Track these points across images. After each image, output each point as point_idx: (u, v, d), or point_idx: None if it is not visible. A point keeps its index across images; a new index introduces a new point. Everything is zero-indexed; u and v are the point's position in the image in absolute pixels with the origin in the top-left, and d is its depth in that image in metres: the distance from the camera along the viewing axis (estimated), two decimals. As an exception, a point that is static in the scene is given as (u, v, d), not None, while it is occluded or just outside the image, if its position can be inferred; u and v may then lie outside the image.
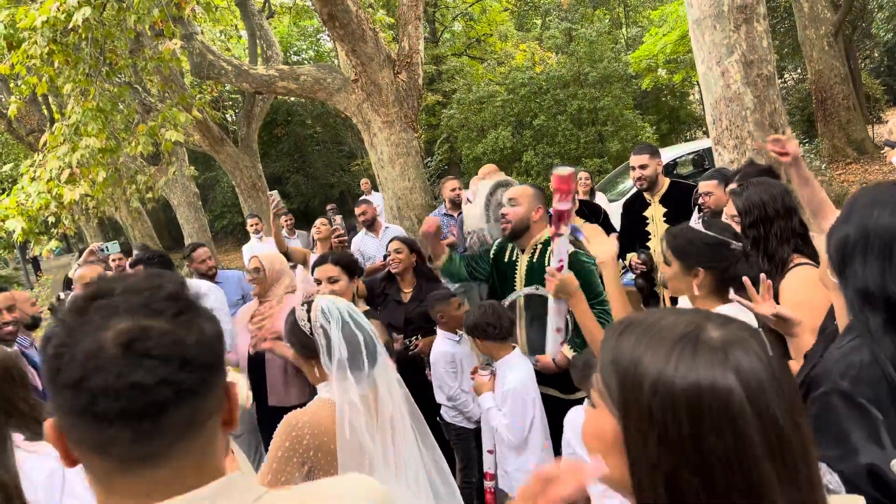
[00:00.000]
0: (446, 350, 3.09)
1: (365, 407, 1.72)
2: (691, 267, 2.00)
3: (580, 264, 2.88)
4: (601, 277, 2.56)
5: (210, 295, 3.98)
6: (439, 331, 3.17)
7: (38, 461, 1.66)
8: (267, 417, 3.21)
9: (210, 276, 4.75)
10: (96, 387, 0.70)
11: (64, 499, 1.64)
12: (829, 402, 1.08)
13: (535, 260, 3.02)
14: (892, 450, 1.00)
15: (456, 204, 5.30)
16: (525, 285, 3.01)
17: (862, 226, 1.14)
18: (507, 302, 2.94)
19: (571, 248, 2.93)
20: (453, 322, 3.13)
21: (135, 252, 6.49)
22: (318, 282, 2.99)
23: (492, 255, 3.25)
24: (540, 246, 3.02)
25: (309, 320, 1.81)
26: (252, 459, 3.32)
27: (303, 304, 1.88)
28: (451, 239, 4.87)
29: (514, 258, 3.12)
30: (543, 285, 2.85)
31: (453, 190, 5.33)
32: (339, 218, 4.52)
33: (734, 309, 2.00)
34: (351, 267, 3.03)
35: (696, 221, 2.10)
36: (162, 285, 0.78)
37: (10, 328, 3.04)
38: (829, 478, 1.01)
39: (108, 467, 0.74)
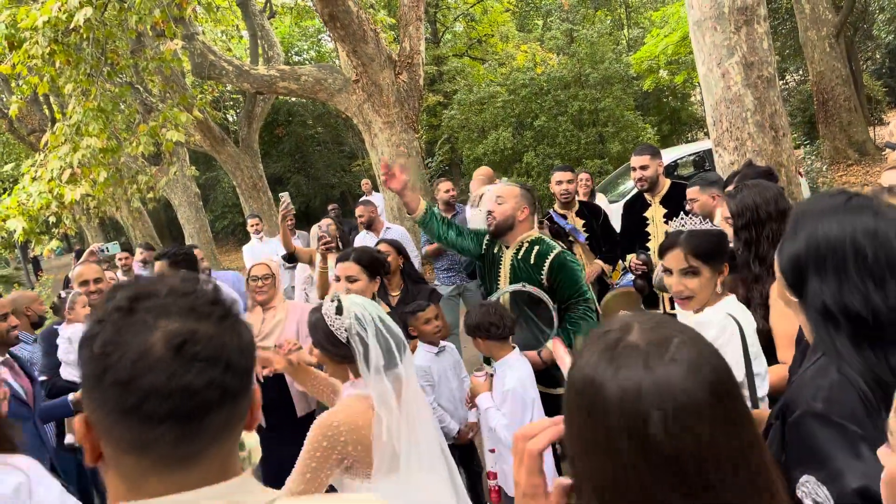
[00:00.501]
0: (420, 364, 3.03)
1: (395, 398, 1.80)
2: (720, 265, 1.99)
3: (567, 264, 2.98)
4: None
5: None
6: (420, 343, 3.12)
7: (4, 475, 1.63)
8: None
9: None
10: (147, 387, 0.70)
11: None
12: (806, 425, 1.05)
13: (519, 257, 3.06)
14: (873, 461, 0.99)
15: (450, 205, 5.29)
16: (510, 281, 3.04)
17: (811, 240, 1.09)
18: (492, 299, 2.96)
19: (558, 248, 3.04)
20: (426, 336, 3.08)
21: (137, 251, 6.50)
22: (337, 279, 2.96)
23: (485, 243, 3.27)
24: (526, 244, 3.08)
25: (346, 328, 1.83)
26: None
27: (334, 309, 1.87)
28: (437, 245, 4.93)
29: (499, 252, 3.18)
30: (529, 282, 2.92)
31: (447, 191, 5.32)
32: (329, 224, 4.53)
33: (733, 303, 2.00)
34: (372, 266, 2.99)
35: (682, 224, 2.08)
36: (203, 289, 0.79)
37: (15, 332, 3.11)
38: (819, 490, 1.01)
39: (143, 467, 0.73)
